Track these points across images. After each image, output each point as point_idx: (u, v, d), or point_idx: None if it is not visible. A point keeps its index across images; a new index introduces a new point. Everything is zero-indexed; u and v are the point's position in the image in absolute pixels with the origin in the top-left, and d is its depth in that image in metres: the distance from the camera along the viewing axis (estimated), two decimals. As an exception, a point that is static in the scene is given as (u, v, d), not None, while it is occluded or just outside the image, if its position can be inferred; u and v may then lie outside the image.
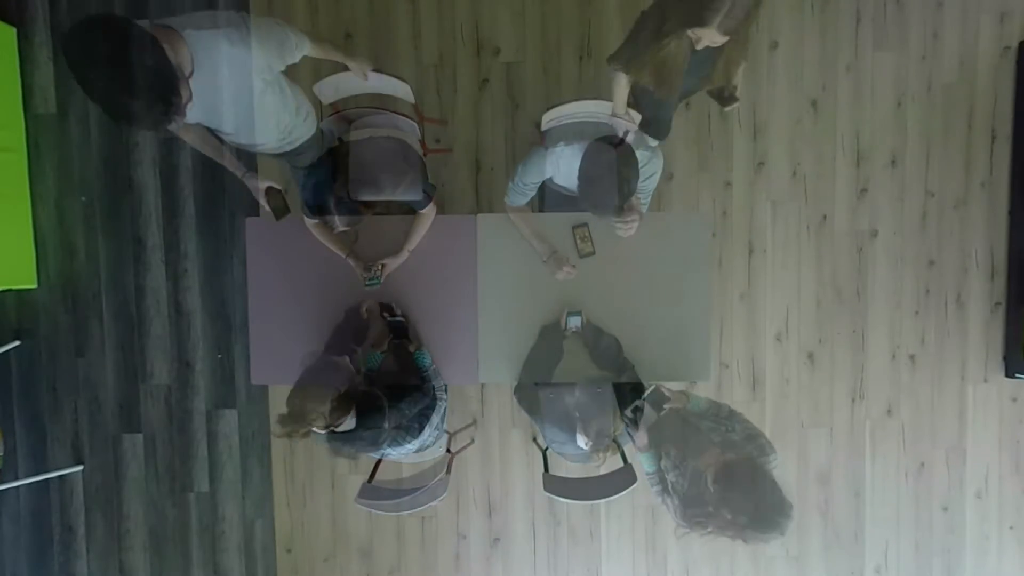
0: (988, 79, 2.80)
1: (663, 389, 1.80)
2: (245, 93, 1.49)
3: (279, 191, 1.89)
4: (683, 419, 1.78)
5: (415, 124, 2.22)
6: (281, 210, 1.93)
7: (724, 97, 2.01)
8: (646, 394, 1.79)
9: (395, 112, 2.17)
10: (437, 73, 2.84)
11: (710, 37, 1.59)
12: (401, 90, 2.23)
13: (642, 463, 1.84)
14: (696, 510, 1.56)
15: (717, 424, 1.72)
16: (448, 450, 2.45)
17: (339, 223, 1.85)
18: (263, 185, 1.87)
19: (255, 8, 2.84)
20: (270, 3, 2.84)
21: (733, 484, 1.46)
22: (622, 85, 1.93)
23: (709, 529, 1.54)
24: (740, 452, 1.61)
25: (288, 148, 1.91)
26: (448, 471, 2.40)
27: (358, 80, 2.19)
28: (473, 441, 2.89)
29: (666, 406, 1.78)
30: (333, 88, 2.25)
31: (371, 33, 2.83)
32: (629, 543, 2.93)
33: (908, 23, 2.79)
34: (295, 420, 1.62)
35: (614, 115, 2.02)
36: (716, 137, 2.83)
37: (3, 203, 2.74)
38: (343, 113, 2.17)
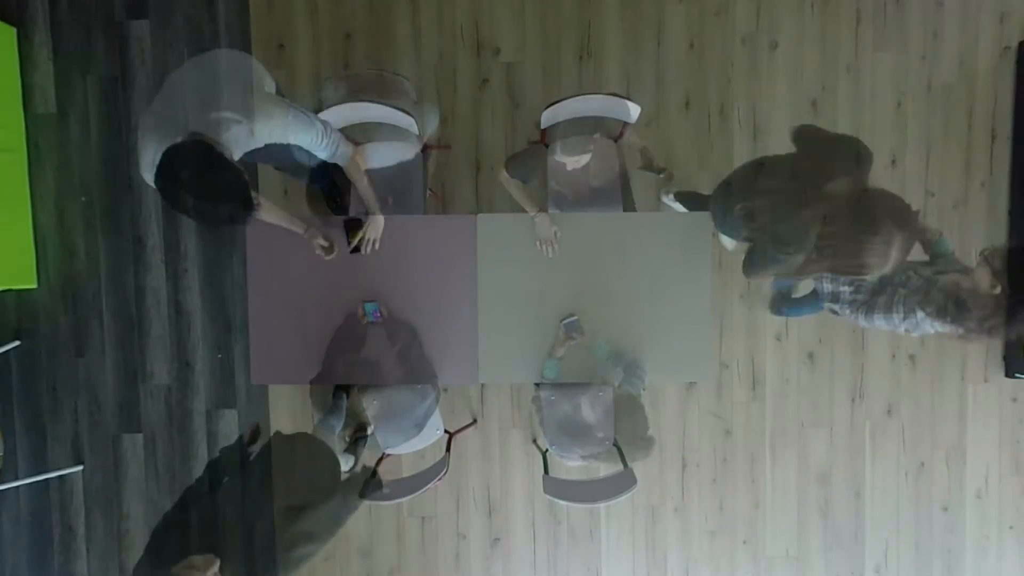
0: (988, 79, 2.80)
1: (578, 324, 2.11)
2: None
3: (360, 223, 2.06)
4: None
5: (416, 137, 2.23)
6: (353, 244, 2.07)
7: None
8: (571, 319, 2.11)
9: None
10: (437, 73, 2.84)
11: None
12: (404, 122, 2.25)
13: (545, 367, 2.10)
14: (568, 434, 1.94)
15: (615, 367, 2.08)
16: (446, 431, 2.47)
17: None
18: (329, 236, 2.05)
19: (255, 10, 2.84)
20: (270, 4, 2.84)
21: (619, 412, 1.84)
22: (519, 189, 2.03)
23: (576, 453, 1.93)
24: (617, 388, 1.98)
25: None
26: (448, 450, 2.42)
27: (362, 109, 2.21)
28: (475, 421, 2.89)
29: (575, 335, 2.10)
30: (339, 116, 2.25)
31: (371, 33, 2.83)
32: (629, 543, 2.93)
33: (908, 23, 2.79)
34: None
35: (536, 219, 2.09)
36: (716, 137, 2.83)
37: (3, 203, 2.74)
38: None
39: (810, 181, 1.57)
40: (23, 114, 2.85)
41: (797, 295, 2.37)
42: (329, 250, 2.10)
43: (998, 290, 1.51)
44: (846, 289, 1.90)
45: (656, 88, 2.82)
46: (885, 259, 1.45)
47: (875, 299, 1.84)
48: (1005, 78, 2.80)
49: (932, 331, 1.74)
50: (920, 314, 1.72)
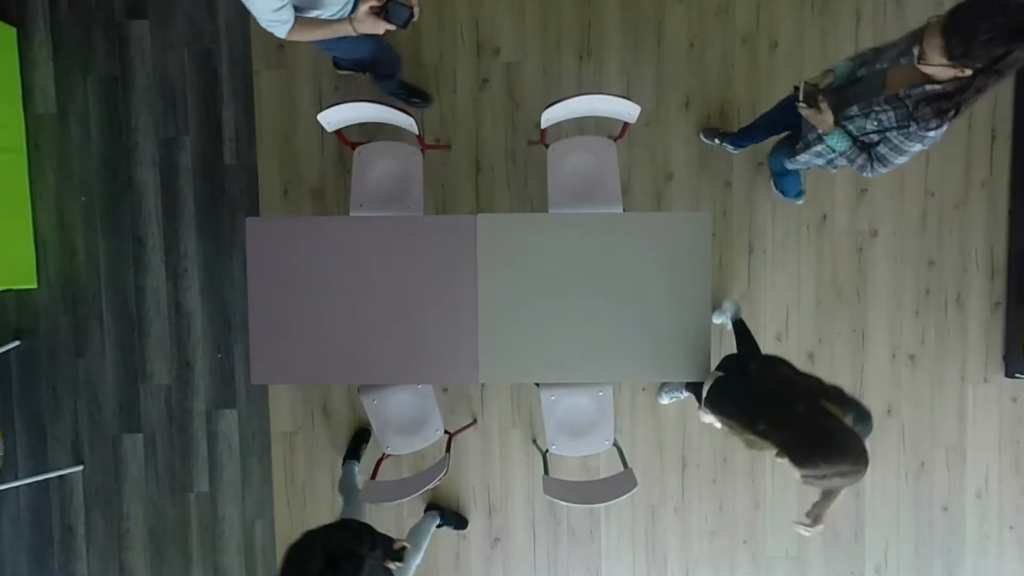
0: (988, 79, 2.80)
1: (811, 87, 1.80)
2: None
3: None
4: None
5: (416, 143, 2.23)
6: (406, 15, 1.75)
7: None
8: (803, 88, 1.78)
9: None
10: (437, 73, 2.84)
11: None
12: (405, 122, 2.27)
13: (834, 145, 1.84)
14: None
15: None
16: (446, 431, 2.48)
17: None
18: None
19: (255, 8, 2.84)
20: (270, 3, 2.84)
21: None
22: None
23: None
24: None
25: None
26: (448, 450, 2.42)
27: (362, 109, 2.19)
28: (475, 421, 2.89)
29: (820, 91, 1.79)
30: (339, 116, 2.26)
31: (371, 33, 2.83)
32: (629, 543, 2.93)
33: (908, 23, 2.79)
34: None
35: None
36: (716, 137, 2.83)
37: (3, 203, 2.74)
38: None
39: (814, 388, 1.66)
40: (23, 114, 2.85)
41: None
42: (383, 13, 1.78)
43: (967, 71, 1.48)
44: (841, 161, 1.89)
45: (656, 88, 2.82)
46: (821, 478, 1.50)
47: (875, 150, 1.81)
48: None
49: (946, 126, 1.71)
50: (930, 132, 1.69)
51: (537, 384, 2.34)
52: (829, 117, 1.77)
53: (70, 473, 2.95)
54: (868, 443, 1.54)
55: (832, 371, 2.87)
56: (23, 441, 2.96)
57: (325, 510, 2.95)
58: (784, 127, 2.27)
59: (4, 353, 2.90)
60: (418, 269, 2.15)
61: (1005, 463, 2.89)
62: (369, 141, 2.47)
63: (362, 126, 2.42)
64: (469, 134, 2.85)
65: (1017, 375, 2.78)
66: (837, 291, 2.86)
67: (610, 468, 2.84)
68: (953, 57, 1.45)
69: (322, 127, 2.29)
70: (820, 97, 1.75)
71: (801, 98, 1.77)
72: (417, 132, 2.34)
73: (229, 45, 2.86)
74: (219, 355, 2.92)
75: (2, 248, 2.74)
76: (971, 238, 2.84)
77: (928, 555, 2.92)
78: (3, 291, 2.88)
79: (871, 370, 2.87)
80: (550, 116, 2.23)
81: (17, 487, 2.94)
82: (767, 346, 2.87)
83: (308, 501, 2.95)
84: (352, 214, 2.39)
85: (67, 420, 2.95)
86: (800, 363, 2.86)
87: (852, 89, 1.83)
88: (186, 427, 2.95)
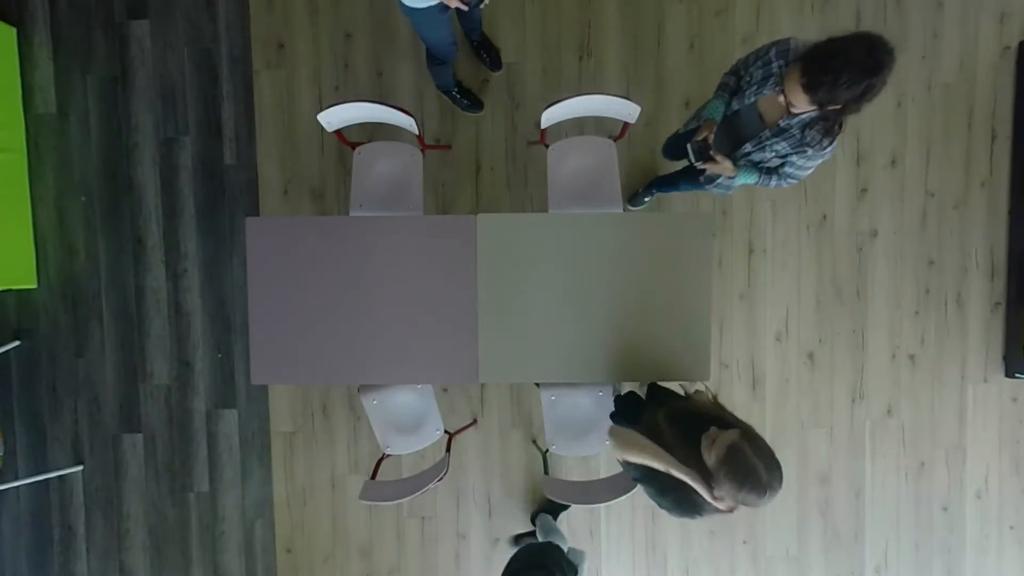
0: (988, 79, 2.80)
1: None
2: None
3: None
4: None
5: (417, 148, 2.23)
6: None
7: None
8: (692, 150, 1.80)
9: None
10: (437, 73, 2.84)
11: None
12: (405, 122, 2.26)
13: (744, 182, 1.90)
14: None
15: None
16: (446, 431, 2.48)
17: None
18: None
19: (255, 10, 2.84)
20: (270, 4, 2.84)
21: None
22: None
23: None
24: None
25: None
26: (448, 450, 2.42)
27: (361, 109, 2.19)
28: (475, 421, 2.89)
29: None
30: (337, 117, 2.26)
31: (371, 33, 2.83)
32: (629, 543, 2.93)
33: (908, 23, 2.79)
34: None
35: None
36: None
37: (3, 203, 2.74)
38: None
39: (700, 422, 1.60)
40: (23, 114, 2.85)
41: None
42: None
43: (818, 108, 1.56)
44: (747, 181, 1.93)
45: (656, 88, 2.82)
46: (729, 493, 1.46)
47: (782, 170, 1.86)
48: (1005, 78, 2.80)
49: (838, 139, 1.76)
50: (827, 149, 1.74)
51: (537, 384, 2.34)
52: (728, 163, 1.82)
53: (70, 473, 2.95)
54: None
55: (832, 371, 2.87)
56: (23, 441, 2.96)
57: (325, 510, 2.95)
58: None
59: (4, 353, 2.90)
60: (418, 269, 2.15)
61: (1005, 463, 2.89)
62: (369, 141, 2.47)
63: (362, 126, 2.42)
64: (469, 134, 2.85)
65: (1017, 375, 2.79)
66: (837, 291, 2.86)
67: (610, 468, 2.84)
68: (822, 105, 1.54)
69: (322, 127, 2.29)
70: (711, 152, 1.79)
71: (695, 160, 1.81)
72: (417, 132, 2.34)
73: (229, 45, 2.86)
74: (219, 355, 2.92)
75: (2, 248, 2.74)
76: (971, 238, 2.84)
77: (928, 555, 2.92)
78: (3, 291, 2.88)
79: (871, 370, 2.87)
80: (550, 116, 2.23)
81: (17, 487, 2.94)
82: (767, 346, 2.88)
83: (308, 501, 2.95)
84: (352, 214, 2.39)
85: (67, 420, 2.95)
86: (800, 363, 2.88)
87: (735, 124, 1.88)
88: (186, 427, 2.95)
